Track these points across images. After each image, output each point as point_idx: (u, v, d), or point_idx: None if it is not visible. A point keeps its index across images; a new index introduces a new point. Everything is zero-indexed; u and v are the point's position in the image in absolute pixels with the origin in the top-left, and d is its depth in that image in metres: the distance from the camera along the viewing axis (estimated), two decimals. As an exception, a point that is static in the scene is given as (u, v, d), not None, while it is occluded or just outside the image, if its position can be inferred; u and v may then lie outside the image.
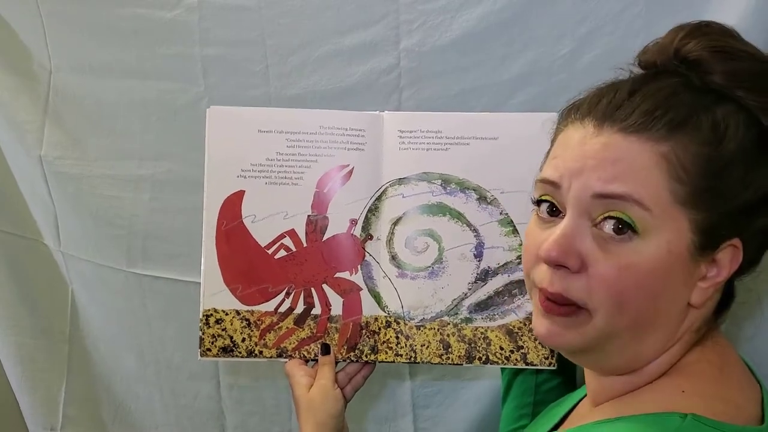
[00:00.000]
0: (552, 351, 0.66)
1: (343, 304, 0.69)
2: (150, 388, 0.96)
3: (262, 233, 0.70)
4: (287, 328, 0.70)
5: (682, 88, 0.45)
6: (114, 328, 0.95)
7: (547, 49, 0.78)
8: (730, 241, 0.44)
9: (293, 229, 0.70)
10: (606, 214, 0.44)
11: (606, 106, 0.45)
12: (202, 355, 0.70)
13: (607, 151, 0.44)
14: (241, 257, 0.69)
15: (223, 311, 0.70)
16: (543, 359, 0.66)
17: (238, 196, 0.70)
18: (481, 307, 0.68)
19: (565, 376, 0.70)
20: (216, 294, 0.69)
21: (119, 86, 0.86)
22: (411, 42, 0.80)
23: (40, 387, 0.97)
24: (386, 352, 0.69)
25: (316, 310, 0.70)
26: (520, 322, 0.67)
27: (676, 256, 0.43)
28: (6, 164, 0.92)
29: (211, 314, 0.70)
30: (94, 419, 0.98)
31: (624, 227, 0.43)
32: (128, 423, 0.98)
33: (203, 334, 0.70)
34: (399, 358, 0.69)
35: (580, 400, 0.56)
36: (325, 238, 0.69)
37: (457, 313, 0.68)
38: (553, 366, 0.66)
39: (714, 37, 0.46)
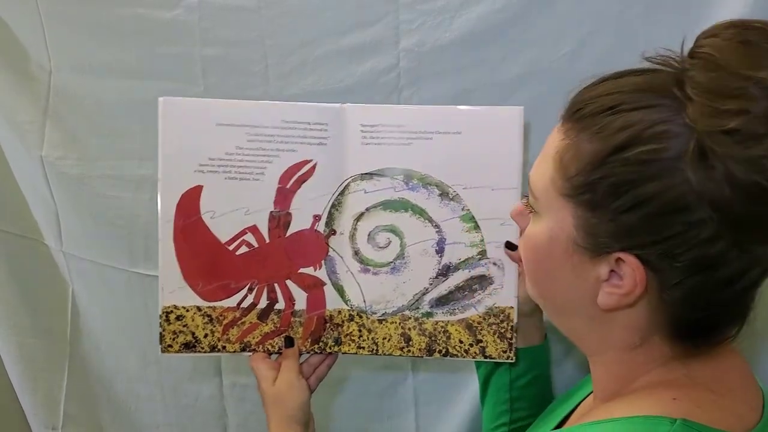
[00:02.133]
0: (510, 344, 0.68)
1: (306, 299, 0.70)
2: (151, 387, 0.96)
3: (223, 229, 0.68)
4: (250, 323, 0.70)
5: (633, 85, 0.43)
6: (115, 328, 0.95)
7: (547, 49, 0.77)
8: (616, 252, 0.43)
9: (255, 225, 0.69)
10: None
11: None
12: (163, 351, 0.70)
13: (548, 139, 0.48)
14: (201, 254, 0.68)
15: (184, 308, 0.69)
16: (501, 353, 0.69)
17: (196, 191, 0.68)
18: (442, 301, 0.69)
19: (537, 371, 0.71)
20: (175, 291, 0.68)
21: (119, 86, 0.84)
22: (410, 42, 0.79)
23: (40, 386, 0.96)
24: (349, 345, 0.71)
25: (280, 305, 0.70)
26: (480, 317, 0.69)
27: (557, 244, 0.46)
28: (7, 164, 0.91)
29: (171, 311, 0.69)
30: (94, 419, 0.98)
31: (530, 206, 0.50)
32: (129, 422, 0.98)
33: (164, 330, 0.69)
34: (361, 351, 0.70)
35: (590, 394, 0.57)
36: (288, 233, 0.69)
37: (418, 308, 0.70)
38: (511, 359, 0.69)
39: (718, 40, 0.41)
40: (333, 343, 0.71)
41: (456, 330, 0.69)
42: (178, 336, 0.69)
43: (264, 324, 0.70)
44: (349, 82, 0.81)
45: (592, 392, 0.55)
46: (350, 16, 0.79)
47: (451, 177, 0.69)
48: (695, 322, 0.45)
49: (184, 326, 0.69)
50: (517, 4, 0.76)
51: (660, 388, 0.46)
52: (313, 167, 0.68)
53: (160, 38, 0.82)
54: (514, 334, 0.68)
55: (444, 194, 0.69)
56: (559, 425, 0.58)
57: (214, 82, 0.83)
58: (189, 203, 0.68)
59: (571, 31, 0.76)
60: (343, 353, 0.71)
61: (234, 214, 0.68)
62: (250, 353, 0.70)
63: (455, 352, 0.69)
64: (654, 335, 0.46)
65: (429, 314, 0.70)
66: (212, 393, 0.95)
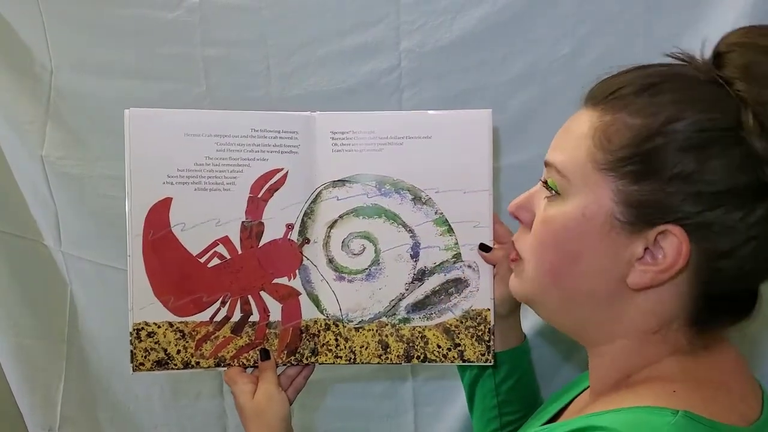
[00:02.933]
0: (488, 347, 0.68)
1: (282, 310, 0.69)
2: (150, 387, 0.96)
3: (194, 242, 0.67)
4: (224, 336, 0.68)
5: (666, 70, 0.45)
6: (113, 328, 0.93)
7: (547, 50, 0.78)
8: (664, 225, 0.43)
9: (227, 236, 0.67)
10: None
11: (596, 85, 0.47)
12: (134, 370, 0.67)
13: (568, 123, 0.48)
14: (172, 267, 0.67)
15: (155, 324, 0.67)
16: (479, 356, 0.68)
17: (165, 203, 0.67)
18: (419, 306, 0.69)
19: (520, 373, 0.71)
20: (146, 307, 0.67)
21: (120, 87, 0.84)
22: (412, 43, 0.80)
23: (39, 387, 0.95)
24: (326, 354, 0.69)
25: (254, 317, 0.68)
26: (457, 320, 0.69)
27: (592, 221, 0.45)
28: (7, 164, 0.90)
29: (142, 328, 0.67)
30: (92, 419, 0.97)
31: (550, 189, 0.49)
32: (127, 423, 0.97)
33: (134, 348, 0.67)
34: (339, 360, 0.69)
35: (584, 390, 0.57)
36: (261, 244, 0.68)
37: (395, 314, 0.69)
38: (490, 362, 0.68)
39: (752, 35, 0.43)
40: (310, 354, 0.69)
41: (433, 335, 0.69)
42: (149, 353, 0.67)
43: (238, 337, 0.68)
44: (351, 82, 0.82)
45: (586, 388, 0.55)
46: (351, 16, 0.80)
47: (423, 181, 0.69)
48: (716, 305, 0.45)
49: (155, 343, 0.67)
50: (518, 4, 0.77)
51: (659, 381, 0.46)
52: (285, 176, 0.68)
53: (161, 38, 0.82)
54: (492, 336, 0.68)
55: (417, 199, 0.69)
56: (552, 420, 0.58)
57: (216, 83, 0.83)
58: (158, 216, 0.66)
59: (571, 31, 0.77)
60: (320, 364, 0.70)
61: (205, 225, 0.67)
62: (225, 368, 0.69)
63: (433, 358, 0.69)
64: (673, 321, 0.46)
65: (406, 320, 0.69)
66: (212, 392, 0.95)
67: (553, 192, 0.48)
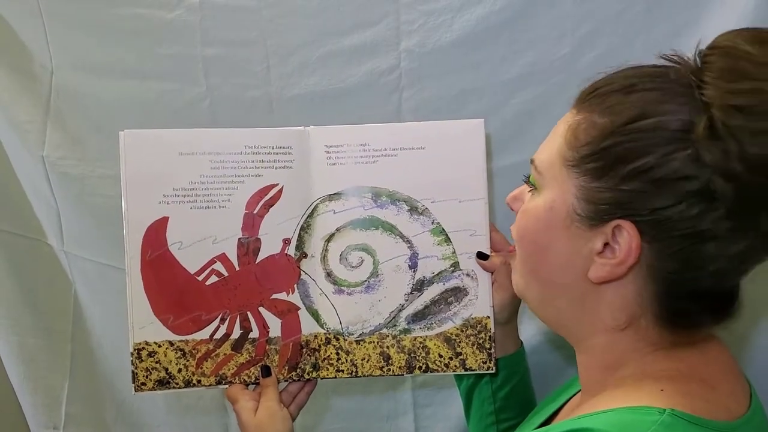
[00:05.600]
0: (489, 355, 0.68)
1: (281, 325, 0.69)
2: None
3: (191, 260, 0.67)
4: (225, 354, 0.68)
5: (648, 72, 0.45)
6: (117, 328, 0.92)
7: (547, 50, 0.79)
8: (617, 220, 0.44)
9: (224, 254, 0.68)
10: None
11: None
12: (136, 390, 0.67)
13: (557, 123, 0.50)
14: (170, 286, 0.67)
15: (156, 343, 0.67)
16: (481, 363, 0.68)
17: (162, 223, 0.67)
18: (419, 317, 0.69)
19: (517, 379, 0.71)
20: (146, 326, 0.67)
21: (120, 86, 0.84)
22: (411, 42, 0.80)
23: (42, 386, 0.94)
24: (327, 369, 0.69)
25: (254, 333, 0.68)
26: (457, 329, 0.68)
27: (556, 214, 0.47)
28: (9, 164, 0.90)
29: (143, 347, 0.67)
30: (96, 418, 0.97)
31: (531, 184, 0.51)
32: (131, 422, 0.96)
33: (136, 368, 0.67)
34: (340, 374, 0.69)
35: (576, 393, 0.57)
36: (258, 260, 0.68)
37: (395, 325, 0.69)
38: (492, 370, 0.68)
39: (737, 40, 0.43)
40: (311, 369, 0.69)
41: (435, 344, 0.69)
42: (151, 373, 0.67)
43: (239, 354, 0.68)
44: (351, 82, 0.82)
45: (578, 391, 0.55)
46: (351, 16, 0.80)
47: (418, 192, 0.69)
48: (681, 305, 0.45)
49: (156, 362, 0.67)
50: (517, 4, 0.77)
51: (646, 379, 0.46)
52: (280, 191, 0.68)
53: (161, 38, 0.83)
54: (493, 344, 0.68)
55: (413, 209, 0.69)
56: (545, 424, 0.57)
57: (216, 83, 0.83)
58: (155, 235, 0.67)
59: (571, 31, 0.77)
60: (321, 378, 0.70)
61: (202, 243, 0.67)
62: (226, 386, 0.68)
63: (435, 367, 0.68)
64: (641, 318, 0.46)
65: (407, 331, 0.69)
66: (214, 393, 0.94)
67: (533, 187, 0.51)
